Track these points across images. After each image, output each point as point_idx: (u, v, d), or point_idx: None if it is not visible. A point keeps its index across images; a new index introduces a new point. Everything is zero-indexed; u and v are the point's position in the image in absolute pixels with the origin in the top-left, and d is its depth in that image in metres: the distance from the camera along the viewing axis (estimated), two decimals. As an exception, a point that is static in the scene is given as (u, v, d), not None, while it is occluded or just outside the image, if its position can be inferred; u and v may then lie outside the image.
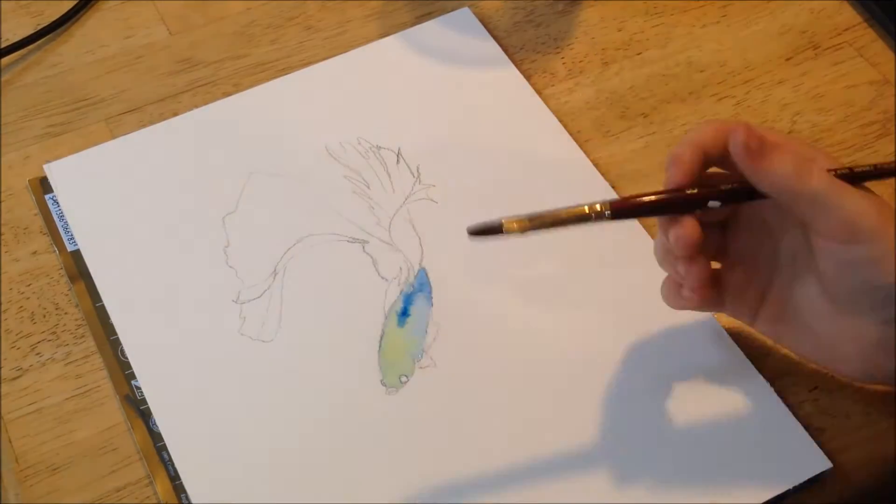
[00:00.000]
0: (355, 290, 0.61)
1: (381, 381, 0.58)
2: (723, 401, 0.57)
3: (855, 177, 0.52)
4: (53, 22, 0.72)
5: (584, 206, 0.51)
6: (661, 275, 0.61)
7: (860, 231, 0.50)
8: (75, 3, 0.73)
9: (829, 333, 0.54)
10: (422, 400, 0.57)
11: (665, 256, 0.55)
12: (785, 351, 0.59)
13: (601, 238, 0.62)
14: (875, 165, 0.54)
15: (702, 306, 0.56)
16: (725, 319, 0.60)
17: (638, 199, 0.52)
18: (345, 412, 0.57)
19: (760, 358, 0.59)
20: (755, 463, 0.56)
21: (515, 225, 0.50)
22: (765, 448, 0.56)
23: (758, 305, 0.56)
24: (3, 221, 0.64)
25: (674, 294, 0.56)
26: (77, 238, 0.63)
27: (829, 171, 0.51)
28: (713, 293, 0.55)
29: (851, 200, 0.50)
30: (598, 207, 0.51)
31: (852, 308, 0.52)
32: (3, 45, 0.71)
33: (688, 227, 0.52)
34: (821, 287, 0.53)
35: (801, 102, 0.69)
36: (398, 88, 0.70)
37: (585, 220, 0.51)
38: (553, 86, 0.70)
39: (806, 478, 0.55)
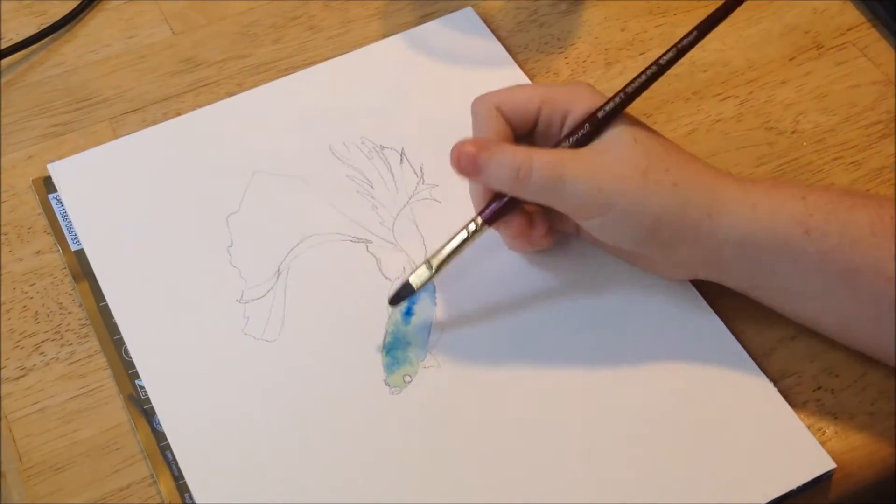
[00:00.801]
0: (359, 289, 0.61)
1: (385, 381, 0.58)
2: (725, 400, 0.57)
3: (596, 127, 0.56)
4: (56, 22, 0.72)
5: (462, 229, 0.58)
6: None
7: (587, 207, 0.55)
8: (78, 2, 0.73)
9: (638, 259, 0.60)
10: (425, 400, 0.57)
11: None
12: (789, 350, 0.59)
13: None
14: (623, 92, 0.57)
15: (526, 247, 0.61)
16: (731, 319, 0.60)
17: (493, 211, 0.58)
18: (348, 412, 0.57)
19: (764, 357, 0.59)
20: (757, 463, 0.56)
21: (420, 276, 0.58)
22: (768, 448, 0.56)
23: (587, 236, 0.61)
24: (6, 221, 0.64)
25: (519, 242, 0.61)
26: (81, 238, 0.63)
27: (571, 136, 0.56)
28: (528, 238, 0.60)
29: (572, 184, 0.54)
30: (472, 226, 0.58)
31: (630, 251, 0.58)
32: (6, 45, 0.71)
33: (512, 230, 0.58)
34: None
35: (805, 102, 0.69)
36: (401, 88, 0.70)
37: (470, 239, 0.58)
38: (556, 86, 0.70)
39: (809, 478, 0.55)
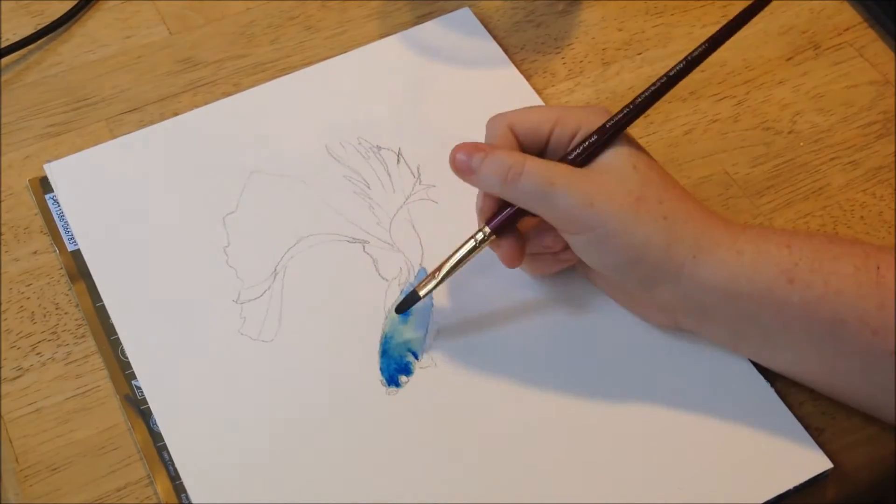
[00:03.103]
0: (356, 290, 0.61)
1: (381, 381, 0.58)
2: (724, 401, 0.57)
3: (613, 129, 0.56)
4: (54, 21, 0.72)
5: (469, 238, 0.58)
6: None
7: (575, 221, 0.55)
8: (75, 2, 0.73)
9: (624, 296, 0.59)
10: (422, 400, 0.57)
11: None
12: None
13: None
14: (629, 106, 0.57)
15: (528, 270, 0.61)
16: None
17: (500, 220, 0.57)
18: (345, 412, 0.57)
19: (761, 358, 0.59)
20: (755, 463, 0.56)
21: (427, 285, 0.58)
22: (765, 449, 0.56)
23: (573, 266, 0.61)
24: (3, 221, 0.64)
25: (528, 265, 0.61)
26: (77, 238, 0.63)
27: (570, 153, 0.56)
28: (525, 260, 0.59)
29: (563, 195, 0.54)
30: (480, 236, 0.57)
31: (613, 280, 0.58)
32: (4, 45, 0.71)
33: (505, 251, 0.58)
34: None
35: (802, 102, 0.69)
36: (398, 88, 0.70)
37: (475, 250, 0.58)
38: (553, 86, 0.70)
39: (806, 478, 0.55)
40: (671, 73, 0.56)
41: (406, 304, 0.59)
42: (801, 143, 0.68)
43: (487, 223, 0.57)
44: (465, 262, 0.58)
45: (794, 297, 0.53)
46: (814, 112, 0.69)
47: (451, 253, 0.58)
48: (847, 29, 0.73)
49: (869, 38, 0.72)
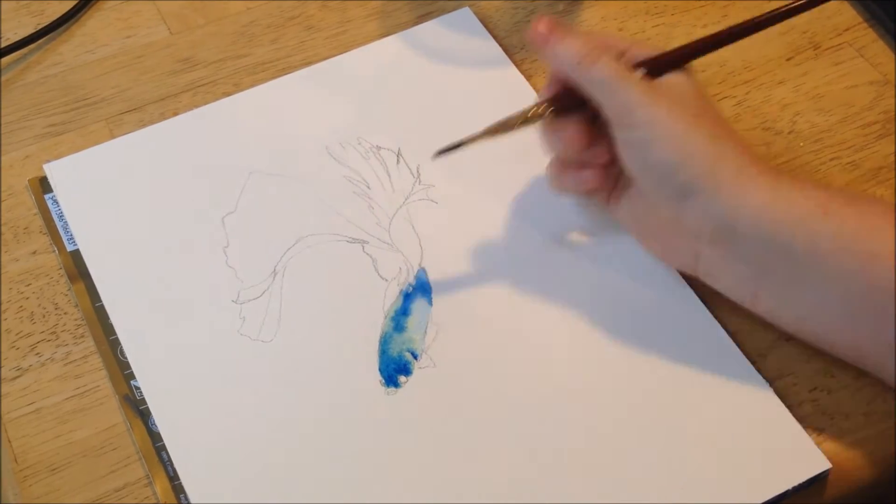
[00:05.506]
0: (355, 290, 0.61)
1: (381, 381, 0.58)
2: (722, 401, 0.57)
3: (661, 66, 0.58)
4: (54, 21, 0.72)
5: (527, 109, 0.59)
6: (657, 274, 0.61)
7: (633, 115, 0.56)
8: (76, 2, 0.73)
9: (654, 224, 0.60)
10: (421, 400, 0.57)
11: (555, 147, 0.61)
12: (785, 351, 0.59)
13: (598, 236, 0.62)
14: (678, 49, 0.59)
15: (583, 191, 0.62)
16: (726, 320, 0.60)
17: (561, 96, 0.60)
18: (344, 412, 0.57)
19: (760, 358, 0.59)
20: (754, 463, 0.56)
21: (470, 137, 0.59)
22: (764, 448, 0.56)
23: (612, 200, 0.62)
24: (2, 221, 0.64)
25: (557, 176, 0.62)
26: (76, 238, 0.63)
27: (635, 63, 0.58)
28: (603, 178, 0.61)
29: (627, 89, 0.56)
30: (539, 110, 0.59)
31: (648, 190, 0.58)
32: (4, 45, 0.71)
33: (572, 131, 0.59)
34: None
35: (802, 103, 0.69)
36: (398, 88, 0.70)
37: (528, 122, 0.59)
38: (553, 86, 0.70)
39: (805, 478, 0.55)
40: (759, 21, 0.60)
41: (448, 150, 0.59)
42: (801, 144, 0.68)
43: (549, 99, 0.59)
44: (511, 128, 0.59)
45: (827, 227, 0.54)
46: (814, 112, 0.69)
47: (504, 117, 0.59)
48: (847, 29, 0.73)
49: (869, 39, 0.72)
